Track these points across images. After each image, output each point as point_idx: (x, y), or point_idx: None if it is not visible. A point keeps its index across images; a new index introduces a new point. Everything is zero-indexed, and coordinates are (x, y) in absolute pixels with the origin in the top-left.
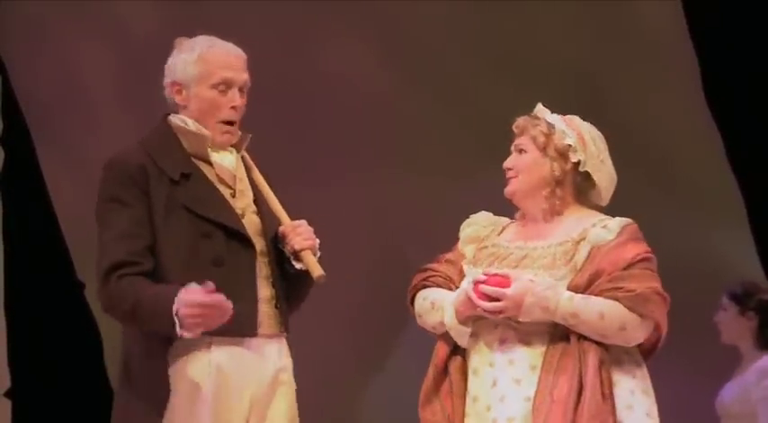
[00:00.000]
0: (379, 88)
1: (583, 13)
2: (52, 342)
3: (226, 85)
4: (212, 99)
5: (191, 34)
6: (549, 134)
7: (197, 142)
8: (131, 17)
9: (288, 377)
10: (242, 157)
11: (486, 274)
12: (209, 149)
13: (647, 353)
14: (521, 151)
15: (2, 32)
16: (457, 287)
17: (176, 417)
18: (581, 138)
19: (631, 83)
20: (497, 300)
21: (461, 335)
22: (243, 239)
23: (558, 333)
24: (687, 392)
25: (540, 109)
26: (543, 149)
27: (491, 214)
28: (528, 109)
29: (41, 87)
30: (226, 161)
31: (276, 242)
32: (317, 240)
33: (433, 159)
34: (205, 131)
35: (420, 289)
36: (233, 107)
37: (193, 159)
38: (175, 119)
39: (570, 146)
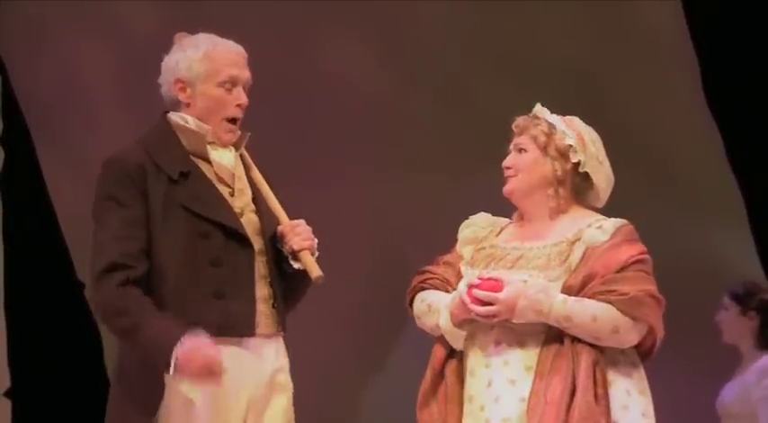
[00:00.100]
0: (379, 88)
1: (583, 13)
2: (52, 342)
3: (232, 83)
4: (219, 97)
5: (191, 34)
6: (549, 134)
7: (196, 140)
8: (131, 17)
9: (285, 378)
10: (240, 156)
11: (480, 278)
12: (208, 147)
13: (644, 355)
14: (520, 150)
15: (2, 32)
16: (454, 289)
17: (173, 418)
18: (581, 138)
19: (631, 83)
20: (490, 304)
21: (456, 338)
22: (241, 239)
23: (553, 334)
24: (687, 392)
25: (540, 109)
26: (544, 149)
27: (490, 215)
28: (528, 109)
29: (41, 87)
30: (224, 159)
31: (274, 241)
32: (316, 240)
33: (433, 159)
34: (206, 128)
35: (418, 291)
36: (238, 105)
37: (192, 158)
38: (175, 117)
39: (571, 146)
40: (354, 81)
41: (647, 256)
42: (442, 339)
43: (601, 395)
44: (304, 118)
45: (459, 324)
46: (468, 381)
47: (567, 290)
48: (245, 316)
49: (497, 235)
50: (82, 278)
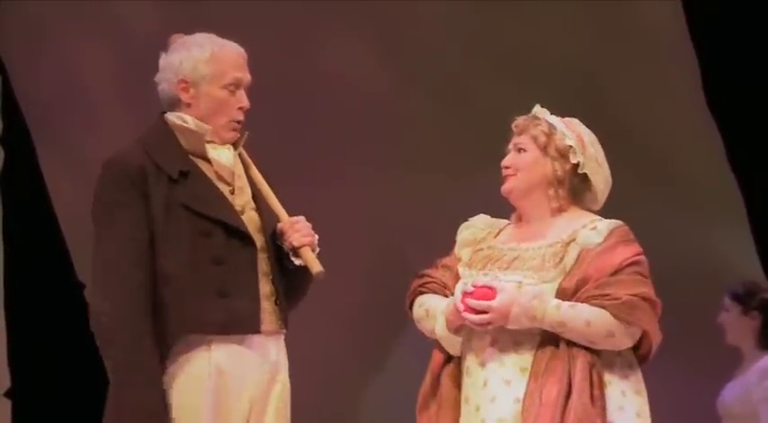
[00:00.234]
0: (379, 88)
1: (583, 13)
2: (52, 342)
3: (236, 85)
4: (223, 99)
5: (191, 34)
6: (550, 134)
7: (195, 140)
8: (131, 17)
9: (284, 376)
10: (239, 155)
11: (473, 285)
12: (206, 146)
13: (641, 359)
14: (520, 150)
15: (2, 32)
16: (452, 293)
17: (177, 418)
18: (580, 140)
19: (631, 83)
20: (484, 312)
21: (452, 344)
22: (243, 237)
23: (549, 336)
24: (687, 392)
25: (540, 110)
26: (544, 149)
27: (489, 217)
28: (528, 109)
29: (41, 87)
30: (223, 158)
31: (275, 239)
32: (316, 236)
33: (433, 159)
34: (205, 128)
35: (417, 295)
36: (240, 108)
37: (191, 157)
38: (173, 117)
39: (571, 147)
40: (354, 81)
41: (641, 258)
42: (440, 344)
43: (597, 396)
44: (304, 118)
45: (455, 330)
46: (465, 381)
47: (562, 292)
48: (249, 313)
49: (496, 236)
50: (82, 279)
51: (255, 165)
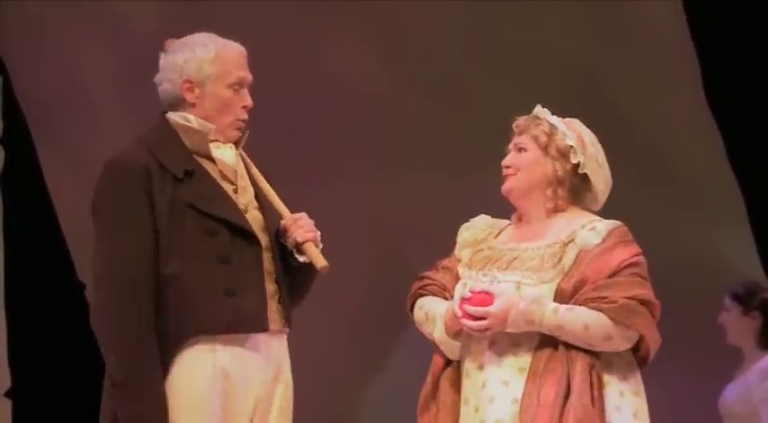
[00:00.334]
0: (379, 88)
1: (583, 13)
2: (52, 342)
3: (240, 84)
4: (228, 98)
5: (191, 34)
6: (551, 134)
7: (199, 139)
8: (131, 17)
9: (288, 376)
10: (239, 154)
11: (471, 291)
12: (210, 145)
13: (640, 361)
14: (521, 150)
15: (2, 32)
16: (451, 295)
17: (183, 420)
18: (581, 140)
19: (632, 83)
20: (482, 318)
21: (451, 349)
22: (248, 236)
23: (548, 337)
24: (687, 392)
25: (541, 110)
26: (545, 149)
27: (489, 217)
28: (528, 109)
29: (41, 87)
30: (226, 157)
31: (278, 237)
32: (318, 232)
33: (433, 159)
34: (209, 126)
35: (417, 297)
36: (244, 107)
37: (195, 157)
38: (175, 116)
39: (572, 147)
40: (354, 81)
41: (640, 259)
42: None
43: (596, 397)
44: (304, 118)
45: (454, 335)
46: (464, 382)
47: (560, 293)
48: (256, 312)
49: (496, 237)
50: (82, 278)
51: (256, 166)
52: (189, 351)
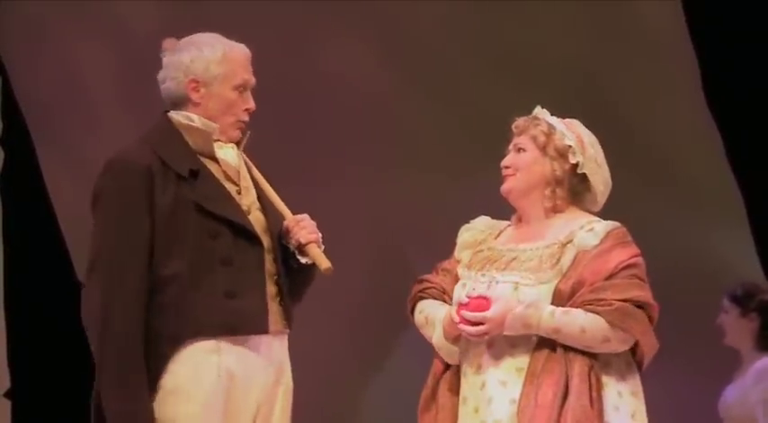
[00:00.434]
0: (379, 88)
1: (583, 14)
2: (52, 342)
3: (244, 87)
4: (232, 100)
5: (191, 34)
6: (549, 134)
7: (203, 139)
8: (131, 17)
9: (288, 378)
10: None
11: (468, 297)
12: (214, 145)
13: (637, 364)
14: (519, 150)
15: (2, 32)
16: (451, 298)
17: (188, 421)
18: (580, 140)
19: (631, 83)
20: (480, 323)
21: (449, 354)
22: (251, 237)
23: (546, 337)
24: (687, 393)
25: (540, 111)
26: (543, 149)
27: (490, 218)
28: (528, 109)
29: (41, 87)
30: (229, 157)
31: (279, 239)
32: (320, 234)
33: (433, 159)
34: (213, 126)
35: (418, 300)
36: (246, 109)
37: (198, 157)
38: (178, 116)
39: (570, 147)
40: (354, 81)
41: (638, 260)
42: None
43: (595, 398)
44: (304, 118)
45: (453, 339)
46: (463, 382)
47: (558, 294)
48: (257, 314)
49: (496, 237)
50: (82, 279)
51: (256, 166)
52: (192, 351)
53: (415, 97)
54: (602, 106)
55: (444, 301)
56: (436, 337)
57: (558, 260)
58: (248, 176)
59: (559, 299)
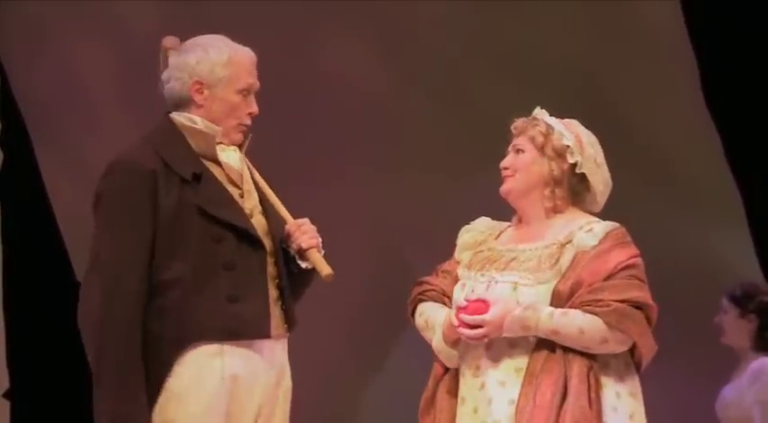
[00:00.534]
0: (379, 88)
1: (583, 14)
2: (51, 343)
3: (248, 90)
4: (236, 104)
5: (191, 34)
6: (547, 134)
7: (206, 142)
8: (131, 17)
9: (288, 381)
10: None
11: (466, 300)
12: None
13: (635, 365)
14: (518, 151)
15: (2, 32)
16: (451, 300)
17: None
18: (579, 140)
19: (631, 83)
20: (479, 326)
21: (449, 358)
22: (254, 241)
23: (544, 338)
24: (686, 393)
25: (539, 111)
26: (541, 149)
27: (490, 219)
28: (528, 109)
29: (41, 87)
30: (231, 160)
31: (281, 242)
32: (320, 238)
33: (433, 159)
34: (215, 129)
35: (418, 303)
36: (249, 113)
37: (201, 159)
38: (180, 117)
39: (568, 147)
40: (354, 81)
41: (637, 260)
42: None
43: (593, 399)
44: (304, 118)
45: (452, 343)
46: (461, 382)
47: (557, 295)
48: (259, 318)
49: (496, 238)
50: (81, 279)
51: (256, 168)
52: (195, 354)
53: (415, 97)
54: (602, 106)
55: (444, 304)
56: (436, 340)
57: (557, 260)
58: (250, 180)
59: (558, 299)
